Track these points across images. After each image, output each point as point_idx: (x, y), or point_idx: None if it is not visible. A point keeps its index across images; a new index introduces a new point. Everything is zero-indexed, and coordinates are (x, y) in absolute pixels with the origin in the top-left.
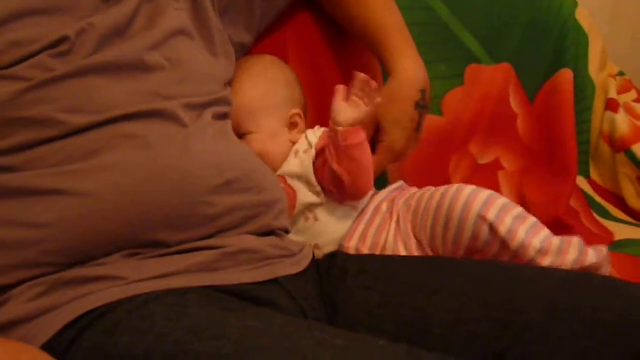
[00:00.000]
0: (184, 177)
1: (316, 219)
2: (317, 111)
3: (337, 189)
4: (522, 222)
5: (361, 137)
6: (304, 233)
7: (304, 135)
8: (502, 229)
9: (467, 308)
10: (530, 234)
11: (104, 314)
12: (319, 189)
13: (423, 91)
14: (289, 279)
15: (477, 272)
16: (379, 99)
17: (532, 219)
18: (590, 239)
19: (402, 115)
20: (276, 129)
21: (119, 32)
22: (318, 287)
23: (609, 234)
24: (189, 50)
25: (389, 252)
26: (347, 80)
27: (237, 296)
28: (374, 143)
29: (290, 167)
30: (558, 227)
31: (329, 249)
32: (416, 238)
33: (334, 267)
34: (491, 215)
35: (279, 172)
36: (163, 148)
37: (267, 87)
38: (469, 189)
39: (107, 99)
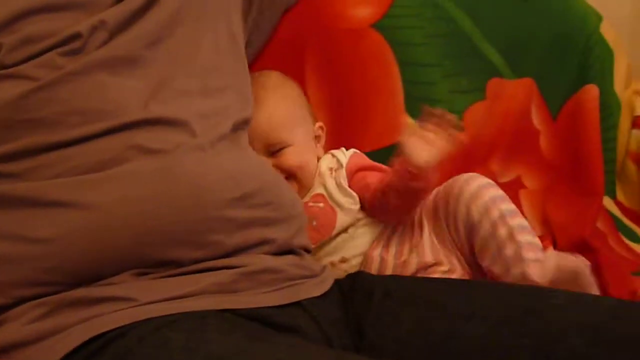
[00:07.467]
0: (199, 189)
1: (345, 231)
2: (334, 120)
3: (382, 214)
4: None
5: (435, 178)
6: (331, 247)
7: (329, 153)
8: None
9: (500, 335)
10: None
11: (113, 339)
12: (357, 206)
13: None
14: (312, 302)
15: (512, 296)
16: (461, 135)
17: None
18: (619, 262)
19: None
20: (308, 141)
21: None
22: (342, 309)
23: (639, 257)
24: (197, 45)
25: (412, 258)
26: (364, 90)
27: (258, 321)
28: None
29: (328, 185)
30: (583, 249)
31: (356, 260)
32: (437, 239)
33: (357, 289)
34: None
35: (318, 190)
36: (176, 159)
37: (291, 100)
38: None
39: (118, 100)
